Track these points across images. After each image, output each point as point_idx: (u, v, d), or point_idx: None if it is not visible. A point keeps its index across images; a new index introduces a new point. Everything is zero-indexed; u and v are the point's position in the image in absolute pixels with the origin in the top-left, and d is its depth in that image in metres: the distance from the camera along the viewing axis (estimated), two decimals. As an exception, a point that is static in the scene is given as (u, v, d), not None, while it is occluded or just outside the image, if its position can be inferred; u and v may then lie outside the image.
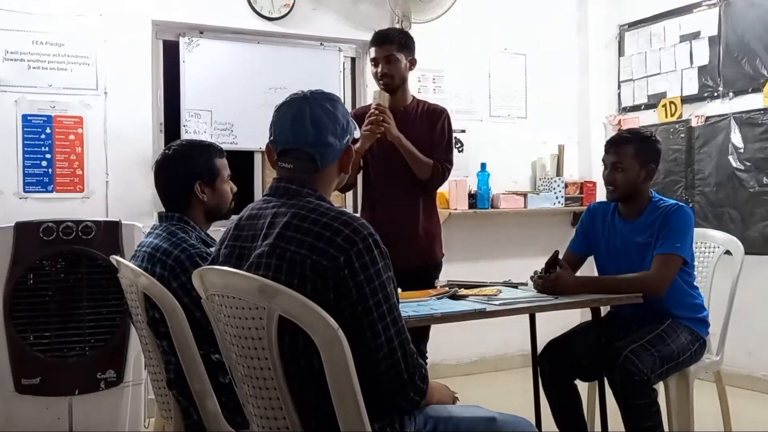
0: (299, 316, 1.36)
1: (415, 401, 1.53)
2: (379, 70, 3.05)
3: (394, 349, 1.48)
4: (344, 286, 1.44)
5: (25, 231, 2.93)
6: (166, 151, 2.19)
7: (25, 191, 3.51)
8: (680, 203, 2.70)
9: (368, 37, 4.29)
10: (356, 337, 1.43)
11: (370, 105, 3.05)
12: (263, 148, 4.08)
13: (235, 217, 1.74)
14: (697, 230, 2.83)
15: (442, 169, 3.06)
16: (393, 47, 3.04)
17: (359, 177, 3.21)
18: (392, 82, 3.04)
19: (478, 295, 2.42)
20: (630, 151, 2.66)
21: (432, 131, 3.09)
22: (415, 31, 4.30)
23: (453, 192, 4.39)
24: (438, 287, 2.63)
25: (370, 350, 1.46)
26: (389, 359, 1.47)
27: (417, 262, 2.97)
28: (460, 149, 4.58)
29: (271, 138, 1.68)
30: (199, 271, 1.57)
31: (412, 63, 3.13)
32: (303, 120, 1.62)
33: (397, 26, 3.37)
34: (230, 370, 1.62)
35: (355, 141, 1.74)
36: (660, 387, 2.57)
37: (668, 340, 2.54)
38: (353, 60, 4.43)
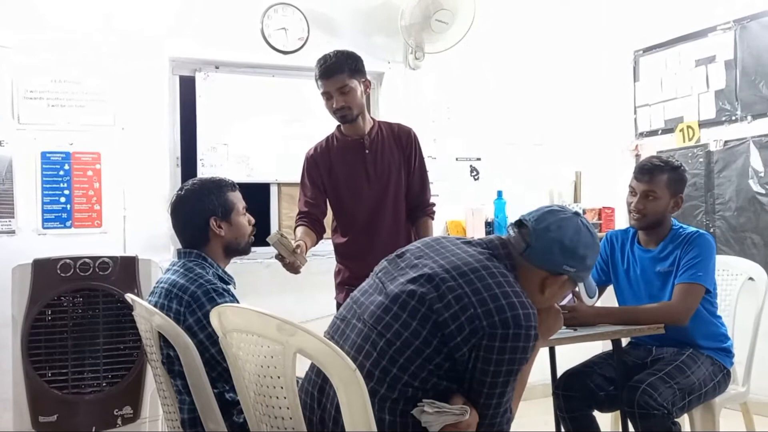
0: (316, 355, 1.35)
1: None
2: (334, 104, 2.75)
3: None
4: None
5: (42, 268, 2.95)
6: (179, 192, 2.22)
7: (43, 227, 3.54)
8: (701, 231, 2.65)
9: (383, 68, 4.36)
10: None
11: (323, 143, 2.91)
12: (279, 180, 4.12)
13: None
14: (718, 258, 2.77)
15: (433, 217, 2.96)
16: (344, 76, 2.71)
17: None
18: (351, 113, 2.77)
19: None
20: (664, 180, 2.60)
21: (402, 157, 2.88)
22: (428, 61, 4.36)
23: (470, 220, 4.37)
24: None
25: None
26: None
27: None
28: (476, 177, 4.56)
29: None
30: (218, 309, 1.58)
31: (367, 86, 2.83)
32: None
33: (343, 52, 2.79)
34: (246, 411, 1.60)
35: None
36: (685, 420, 2.51)
37: (688, 371, 2.48)
38: (368, 91, 4.44)
